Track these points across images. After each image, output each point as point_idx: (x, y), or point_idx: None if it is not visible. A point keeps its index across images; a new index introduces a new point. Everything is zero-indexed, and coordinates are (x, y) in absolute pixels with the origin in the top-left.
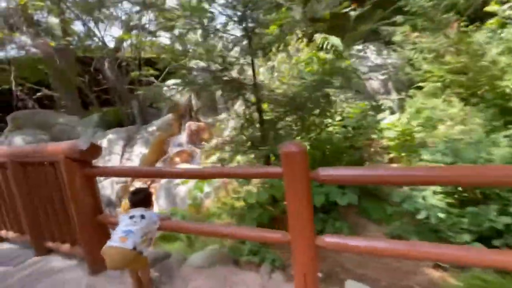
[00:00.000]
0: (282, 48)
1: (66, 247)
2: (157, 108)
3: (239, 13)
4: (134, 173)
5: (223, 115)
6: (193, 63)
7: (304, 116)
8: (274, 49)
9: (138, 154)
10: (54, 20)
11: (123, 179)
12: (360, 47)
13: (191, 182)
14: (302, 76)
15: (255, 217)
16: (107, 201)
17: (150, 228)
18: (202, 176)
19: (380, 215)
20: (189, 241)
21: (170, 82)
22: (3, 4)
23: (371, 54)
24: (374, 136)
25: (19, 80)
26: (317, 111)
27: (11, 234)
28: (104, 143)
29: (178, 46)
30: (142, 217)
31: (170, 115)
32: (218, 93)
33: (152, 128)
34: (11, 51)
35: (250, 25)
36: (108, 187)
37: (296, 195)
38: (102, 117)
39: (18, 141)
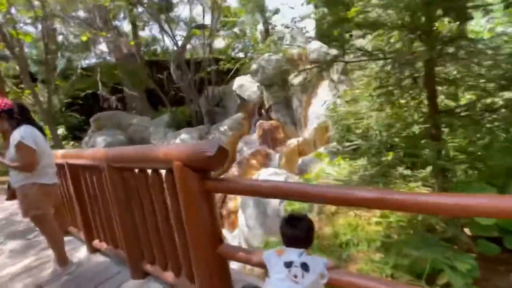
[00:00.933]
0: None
1: (169, 275)
2: (223, 106)
3: None
4: (281, 193)
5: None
6: (266, 56)
7: None
8: None
9: None
10: (127, 27)
11: None
12: None
13: None
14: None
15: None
16: None
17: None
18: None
19: None
20: None
21: (242, 78)
22: (84, 14)
23: None
24: None
25: (101, 85)
26: None
27: (104, 245)
28: (177, 143)
29: (237, 44)
30: (305, 267)
31: (240, 114)
32: (294, 87)
33: (223, 127)
34: (92, 60)
35: None
36: None
37: None
38: (172, 117)
39: (100, 142)
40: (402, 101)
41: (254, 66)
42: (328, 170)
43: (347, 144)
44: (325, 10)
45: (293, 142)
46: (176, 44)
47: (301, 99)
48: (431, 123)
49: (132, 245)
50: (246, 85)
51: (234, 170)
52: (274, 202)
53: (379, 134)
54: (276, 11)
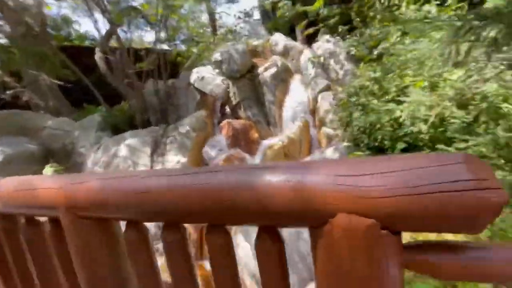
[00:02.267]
0: None
1: None
2: (172, 104)
3: None
4: None
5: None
6: (229, 45)
7: None
8: None
9: (174, 164)
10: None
11: None
12: None
13: None
14: None
15: None
16: None
17: None
18: None
19: None
20: None
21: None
22: None
23: None
24: None
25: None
26: None
27: None
28: (122, 151)
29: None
30: None
31: (202, 111)
32: (266, 78)
33: (184, 128)
34: None
35: None
36: None
37: None
38: (106, 117)
39: None
40: None
41: (217, 56)
42: None
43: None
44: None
45: (275, 142)
46: (111, 21)
47: (274, 94)
48: None
49: None
50: (208, 77)
51: None
52: None
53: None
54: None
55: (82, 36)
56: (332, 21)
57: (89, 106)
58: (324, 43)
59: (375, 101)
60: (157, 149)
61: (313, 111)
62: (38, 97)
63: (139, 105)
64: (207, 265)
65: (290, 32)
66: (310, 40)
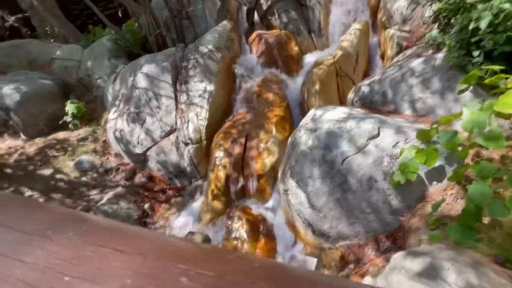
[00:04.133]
0: None
1: None
2: (188, 17)
3: None
4: None
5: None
6: None
7: None
8: None
9: (201, 93)
10: None
11: (192, 135)
12: None
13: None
14: None
15: None
16: (176, 170)
17: None
18: None
19: None
20: None
21: None
22: None
23: None
24: None
25: None
26: None
27: None
28: (140, 81)
29: None
30: None
31: (225, 23)
32: None
33: (206, 47)
34: None
35: None
36: (171, 149)
37: None
38: (116, 41)
39: (10, 94)
40: None
41: None
42: None
43: None
44: None
45: (324, 57)
46: None
47: None
48: None
49: None
50: None
51: (243, 113)
52: (360, 172)
53: None
54: None
55: None
56: None
57: (95, 28)
58: None
59: None
60: (178, 75)
61: (375, 9)
62: (40, 23)
63: (149, 22)
64: (252, 208)
65: None
66: None
